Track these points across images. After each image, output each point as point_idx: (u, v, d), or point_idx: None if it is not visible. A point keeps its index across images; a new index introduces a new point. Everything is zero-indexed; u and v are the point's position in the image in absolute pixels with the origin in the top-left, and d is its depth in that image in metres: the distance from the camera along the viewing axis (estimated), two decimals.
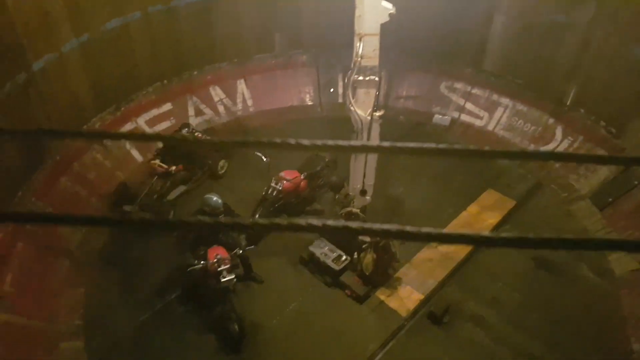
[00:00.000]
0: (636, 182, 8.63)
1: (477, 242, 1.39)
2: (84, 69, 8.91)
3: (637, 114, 8.87)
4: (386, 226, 1.39)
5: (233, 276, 6.48)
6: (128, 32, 9.47)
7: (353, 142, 1.80)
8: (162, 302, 7.21)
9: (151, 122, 10.14)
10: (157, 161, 8.92)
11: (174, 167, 8.90)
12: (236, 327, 6.58)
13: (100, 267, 7.80)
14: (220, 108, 11.06)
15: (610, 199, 8.76)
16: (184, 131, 9.19)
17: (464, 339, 6.85)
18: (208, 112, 10.91)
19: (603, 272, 7.87)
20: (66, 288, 7.28)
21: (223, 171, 9.65)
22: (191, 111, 10.72)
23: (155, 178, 8.92)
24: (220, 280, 6.39)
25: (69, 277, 7.41)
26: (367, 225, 1.41)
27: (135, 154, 9.66)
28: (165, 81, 10.53)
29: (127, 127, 9.83)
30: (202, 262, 6.53)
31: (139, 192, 8.78)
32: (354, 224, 1.40)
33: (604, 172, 9.11)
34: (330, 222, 1.37)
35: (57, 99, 8.49)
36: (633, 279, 7.68)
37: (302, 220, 1.38)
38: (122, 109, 9.88)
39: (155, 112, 10.27)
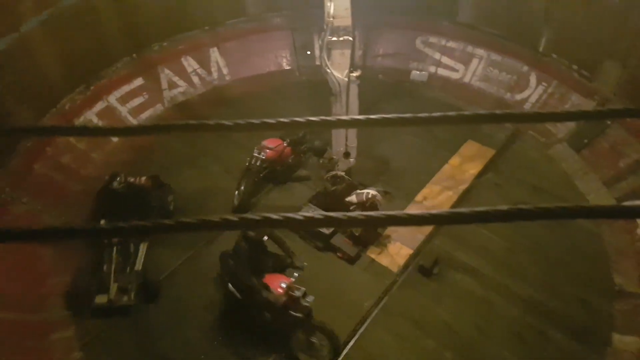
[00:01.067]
0: (609, 122, 8.83)
1: (479, 218, 1.46)
2: (49, 47, 8.56)
3: (609, 56, 8.98)
4: (389, 213, 1.47)
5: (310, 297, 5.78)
6: (92, 5, 9.08)
7: (333, 117, 1.82)
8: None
9: (123, 100, 9.87)
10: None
11: None
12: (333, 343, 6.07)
13: (87, 251, 7.67)
14: (195, 79, 10.81)
15: (586, 141, 8.98)
16: (115, 183, 7.63)
17: (456, 287, 7.08)
18: (182, 84, 10.65)
19: None
20: (52, 276, 7.14)
21: (172, 206, 8.19)
22: (164, 84, 10.46)
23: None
24: (301, 305, 5.71)
25: (54, 265, 7.25)
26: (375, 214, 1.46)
27: None
28: (134, 55, 10.20)
29: (99, 106, 9.57)
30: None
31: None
32: (376, 214, 1.52)
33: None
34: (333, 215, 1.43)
35: (25, 81, 8.18)
36: None
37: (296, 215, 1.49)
38: (92, 87, 9.58)
39: (126, 88, 9.99)
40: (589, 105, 9.23)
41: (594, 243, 7.59)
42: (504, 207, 1.49)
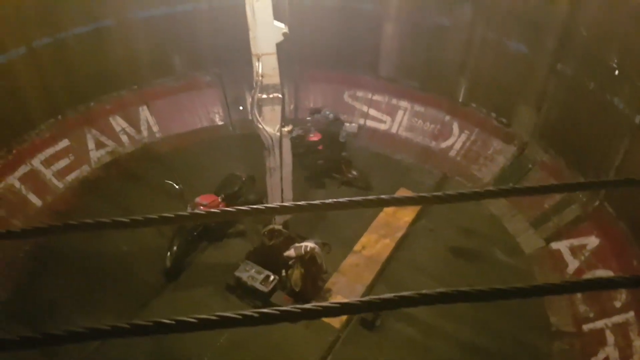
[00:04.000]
0: (530, 166, 9.44)
1: None
2: None
3: (522, 102, 9.70)
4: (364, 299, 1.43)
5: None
6: (12, 69, 8.76)
7: (274, 204, 1.77)
8: (83, 353, 6.66)
9: (47, 162, 9.40)
10: None
11: None
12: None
13: (6, 325, 7.03)
14: (124, 138, 10.51)
15: (511, 184, 9.47)
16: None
17: (398, 338, 7.05)
18: (110, 143, 10.31)
19: (515, 253, 8.51)
20: None
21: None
22: (91, 145, 10.08)
23: None
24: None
25: None
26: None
27: (33, 198, 8.90)
28: (59, 116, 9.83)
29: (21, 170, 9.04)
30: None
31: None
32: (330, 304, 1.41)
33: (501, 160, 9.87)
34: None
35: None
36: (541, 255, 8.37)
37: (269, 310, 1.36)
38: (14, 151, 9.08)
39: (51, 150, 9.53)
40: (510, 150, 9.83)
41: (525, 283, 7.84)
42: (461, 289, 1.49)
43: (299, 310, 1.39)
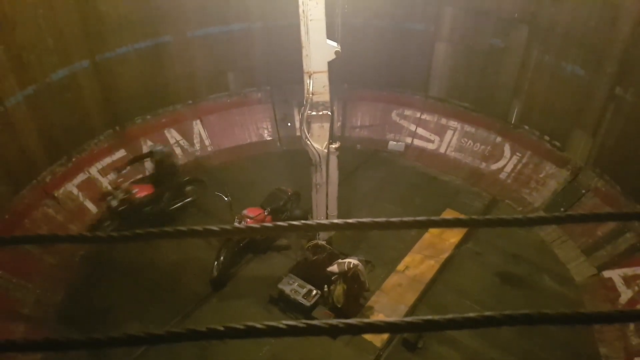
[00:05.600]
0: (583, 191, 9.09)
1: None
2: (32, 121, 8.65)
3: (577, 126, 9.40)
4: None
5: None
6: (76, 81, 9.32)
7: (321, 221, 1.79)
8: (131, 357, 6.89)
9: (104, 171, 9.87)
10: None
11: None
12: None
13: (59, 327, 7.38)
14: (177, 150, 10.92)
15: (562, 209, 9.15)
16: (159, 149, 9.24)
17: None
18: None
19: (564, 281, 8.17)
20: (20, 355, 6.80)
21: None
22: None
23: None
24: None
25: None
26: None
27: (90, 205, 9.35)
28: (117, 127, 10.35)
29: (80, 178, 9.53)
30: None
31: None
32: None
33: (553, 184, 9.55)
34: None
35: (5, 154, 8.18)
36: (592, 284, 8.00)
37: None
38: (74, 159, 9.60)
39: (108, 160, 10.01)
40: (562, 174, 9.52)
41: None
42: (507, 313, 1.48)
43: (343, 325, 1.41)
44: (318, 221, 1.81)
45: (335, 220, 1.76)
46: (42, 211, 8.71)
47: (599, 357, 6.93)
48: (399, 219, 1.81)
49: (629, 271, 7.73)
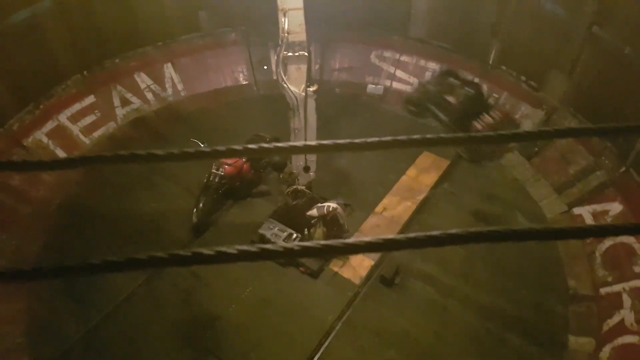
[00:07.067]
0: None
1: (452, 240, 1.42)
2: None
3: (554, 66, 9.41)
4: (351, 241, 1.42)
5: None
6: (40, 22, 8.81)
7: (299, 143, 1.77)
8: (112, 304, 6.98)
9: (74, 118, 9.56)
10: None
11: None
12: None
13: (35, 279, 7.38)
14: (149, 95, 10.59)
15: (536, 149, 9.33)
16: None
17: (416, 297, 7.18)
18: (135, 100, 10.41)
19: (536, 218, 8.46)
20: (2, 303, 6.82)
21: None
22: (116, 102, 10.19)
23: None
24: None
25: (4, 290, 6.94)
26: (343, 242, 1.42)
27: (61, 153, 9.11)
28: (85, 72, 9.93)
29: (49, 125, 9.23)
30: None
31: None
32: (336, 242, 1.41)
33: (528, 124, 9.67)
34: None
35: None
36: (563, 220, 8.32)
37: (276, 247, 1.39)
38: (41, 106, 9.25)
39: (77, 106, 9.68)
40: (538, 114, 9.62)
41: (547, 249, 7.88)
42: (471, 229, 1.44)
43: (321, 247, 1.41)
44: (306, 143, 1.80)
45: (314, 142, 1.77)
46: (12, 160, 8.47)
47: (567, 289, 7.32)
48: (378, 139, 1.75)
49: (598, 207, 8.04)
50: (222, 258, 1.41)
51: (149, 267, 1.39)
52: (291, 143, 1.50)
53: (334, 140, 1.70)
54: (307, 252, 1.43)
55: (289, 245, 1.42)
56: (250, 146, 1.74)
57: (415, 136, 1.71)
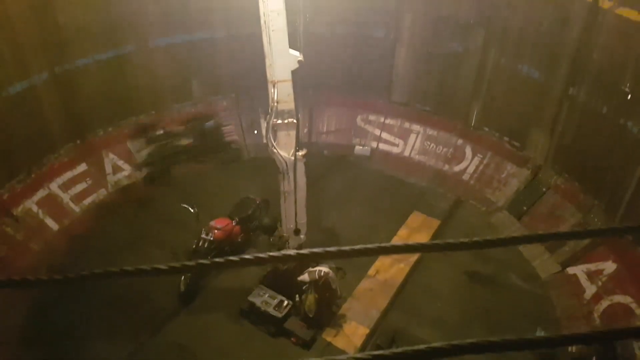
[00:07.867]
0: (544, 189, 9.38)
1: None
2: None
3: (535, 125, 9.71)
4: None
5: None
6: (35, 94, 9.05)
7: (325, 249, 1.80)
8: None
9: (65, 186, 9.58)
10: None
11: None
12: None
13: (20, 348, 7.08)
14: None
15: (525, 208, 9.42)
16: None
17: None
18: (127, 167, 10.49)
19: (530, 278, 8.42)
20: None
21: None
22: (108, 169, 10.27)
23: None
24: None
25: None
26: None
27: (50, 222, 9.04)
28: (78, 141, 10.06)
29: (40, 194, 9.23)
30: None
31: None
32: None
33: (515, 184, 9.83)
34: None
35: None
36: (557, 280, 8.27)
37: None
38: (33, 175, 9.28)
39: (69, 174, 9.73)
40: (523, 173, 9.81)
41: (543, 308, 7.77)
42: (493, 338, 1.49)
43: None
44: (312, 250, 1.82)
45: (303, 250, 1.78)
46: (0, 230, 8.38)
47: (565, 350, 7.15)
48: (364, 246, 1.79)
49: (591, 267, 8.02)
50: None
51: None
52: (299, 251, 1.55)
53: (352, 247, 1.73)
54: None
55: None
56: (259, 255, 1.72)
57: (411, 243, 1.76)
